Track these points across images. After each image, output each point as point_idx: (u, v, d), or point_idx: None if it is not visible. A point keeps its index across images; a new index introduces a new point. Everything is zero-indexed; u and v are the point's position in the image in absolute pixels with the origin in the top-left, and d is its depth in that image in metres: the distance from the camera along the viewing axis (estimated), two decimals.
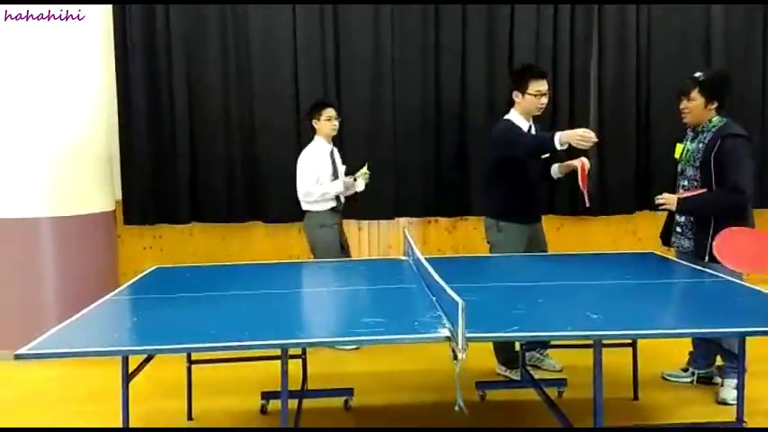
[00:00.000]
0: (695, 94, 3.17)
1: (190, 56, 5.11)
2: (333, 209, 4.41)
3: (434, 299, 2.52)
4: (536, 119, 3.72)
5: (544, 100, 3.57)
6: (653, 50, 5.33)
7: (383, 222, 5.46)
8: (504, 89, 5.21)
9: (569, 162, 3.65)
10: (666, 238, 3.44)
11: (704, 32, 5.33)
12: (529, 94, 3.53)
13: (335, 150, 4.56)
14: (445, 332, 2.12)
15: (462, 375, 1.94)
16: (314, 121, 4.44)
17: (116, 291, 2.88)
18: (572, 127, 4.16)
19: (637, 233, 5.51)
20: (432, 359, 3.81)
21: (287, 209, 5.11)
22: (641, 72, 5.34)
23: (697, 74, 3.23)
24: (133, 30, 5.02)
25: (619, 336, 2.15)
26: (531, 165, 3.61)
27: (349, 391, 3.29)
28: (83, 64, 4.44)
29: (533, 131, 3.63)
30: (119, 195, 5.16)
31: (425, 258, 2.86)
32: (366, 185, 4.46)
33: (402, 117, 5.27)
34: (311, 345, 2.46)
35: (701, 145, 3.18)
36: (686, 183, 3.26)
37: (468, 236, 5.52)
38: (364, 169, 4.43)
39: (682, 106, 3.25)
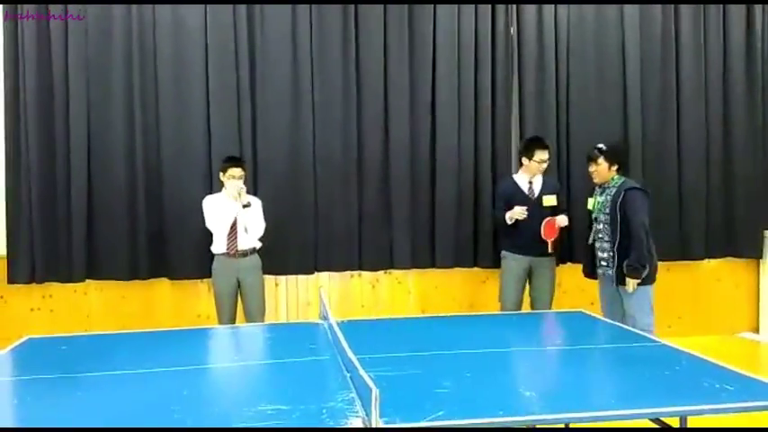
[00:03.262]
0: (601, 160, 4.05)
1: (89, 94, 4.67)
2: (225, 254, 4.30)
3: (348, 375, 2.21)
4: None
5: (544, 166, 4.54)
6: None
7: (302, 278, 5.11)
8: (425, 140, 5.12)
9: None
10: (590, 271, 4.22)
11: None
12: (534, 161, 4.48)
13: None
14: (358, 423, 1.80)
15: None
16: (221, 174, 4.39)
17: None
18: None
19: (562, 285, 5.38)
20: None
21: (194, 265, 4.70)
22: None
23: (600, 145, 4.11)
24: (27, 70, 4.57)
25: (556, 420, 1.90)
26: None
27: None
28: None
29: (536, 185, 4.57)
30: (2, 249, 4.62)
31: (344, 321, 2.57)
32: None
33: (323, 166, 4.99)
34: None
35: (608, 197, 4.04)
36: (601, 226, 4.09)
37: (393, 290, 5.25)
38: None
39: (591, 170, 4.11)
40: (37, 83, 4.61)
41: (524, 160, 4.55)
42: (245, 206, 4.26)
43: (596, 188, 4.17)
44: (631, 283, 3.81)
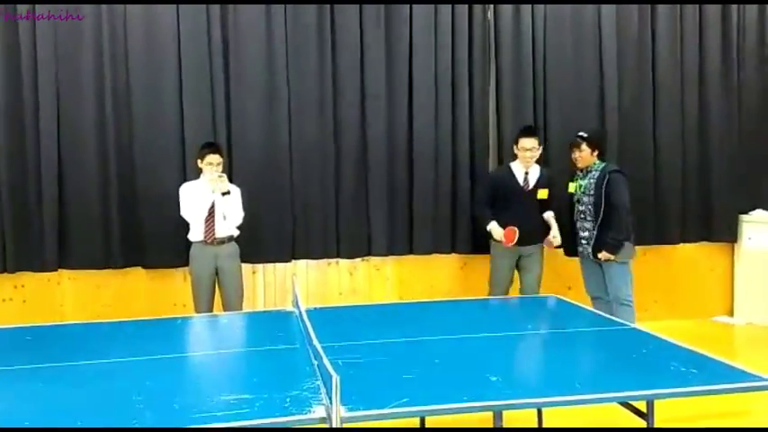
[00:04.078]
0: (584, 146, 4.33)
1: (60, 80, 4.56)
2: (203, 241, 4.26)
3: (316, 363, 2.19)
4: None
5: (529, 155, 4.45)
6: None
7: (279, 266, 5.07)
8: (403, 128, 5.08)
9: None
10: (571, 250, 4.51)
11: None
12: (519, 148, 4.49)
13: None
14: (321, 412, 1.78)
15: None
16: (198, 161, 4.32)
17: None
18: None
19: None
20: None
21: (169, 253, 4.64)
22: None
23: (582, 132, 4.40)
24: None
25: (520, 405, 1.90)
26: (506, 203, 4.49)
27: None
28: None
29: (532, 177, 4.52)
30: None
31: (316, 309, 2.55)
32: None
33: (299, 154, 4.94)
34: None
35: (591, 180, 4.34)
36: (583, 207, 4.37)
37: (371, 277, 5.23)
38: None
39: (574, 156, 4.39)
40: (5, 70, 4.49)
41: (514, 148, 4.58)
42: (224, 194, 4.21)
43: (578, 173, 4.44)
44: (605, 255, 4.17)
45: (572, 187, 4.47)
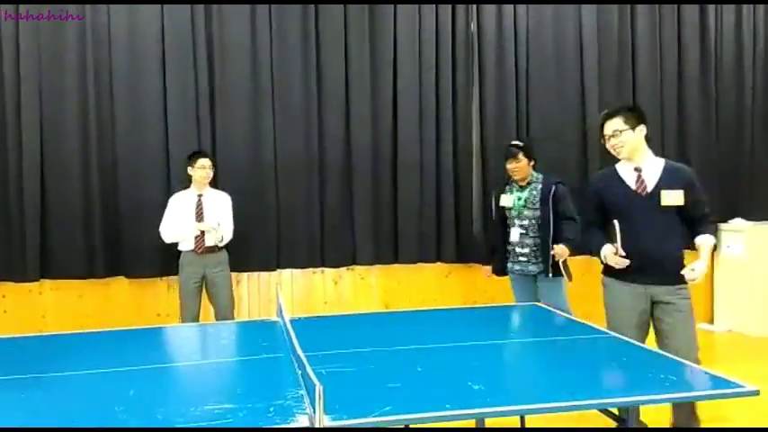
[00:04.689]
0: (521, 156, 4.03)
1: (42, 91, 4.56)
2: (192, 251, 4.31)
3: (300, 372, 2.19)
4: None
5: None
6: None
7: (264, 275, 5.07)
8: (387, 137, 5.11)
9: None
10: (500, 268, 4.19)
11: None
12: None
13: (205, 196, 4.39)
14: (304, 421, 1.79)
15: None
16: (189, 168, 4.38)
17: None
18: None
19: None
20: None
21: (152, 262, 4.64)
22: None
23: (516, 141, 4.16)
24: None
25: (503, 413, 1.92)
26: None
27: None
28: None
29: (651, 176, 3.07)
30: None
31: (301, 318, 2.56)
32: (227, 243, 4.43)
33: (284, 163, 4.96)
34: None
35: (534, 193, 4.04)
36: (525, 222, 4.05)
37: (356, 286, 5.25)
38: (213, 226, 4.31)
39: (511, 167, 4.06)
40: None
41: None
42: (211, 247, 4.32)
43: (510, 185, 4.15)
44: (561, 249, 3.89)
45: (507, 200, 4.12)
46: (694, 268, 2.94)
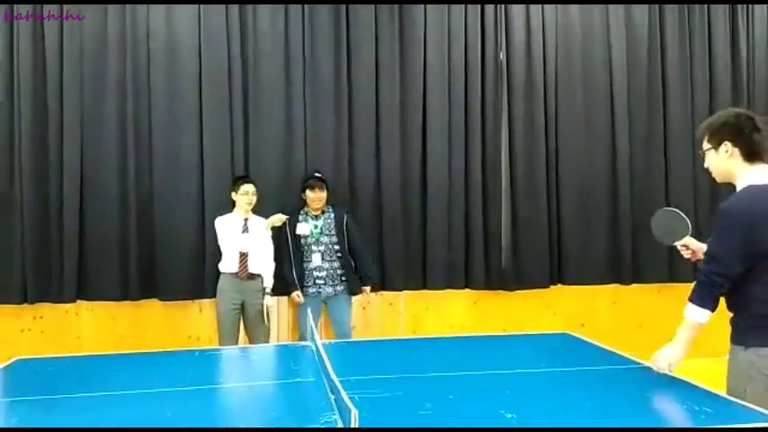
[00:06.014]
0: (324, 187, 4.56)
1: (83, 113, 4.70)
2: (233, 274, 4.33)
3: (333, 397, 2.22)
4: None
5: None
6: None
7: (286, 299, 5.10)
8: (416, 163, 5.16)
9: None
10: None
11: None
12: None
13: (251, 220, 4.47)
14: None
15: None
16: (233, 192, 4.45)
17: None
18: None
19: (552, 307, 5.40)
20: None
21: (186, 285, 4.71)
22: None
23: (319, 173, 4.65)
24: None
25: None
26: None
27: None
28: None
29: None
30: None
31: (331, 343, 2.59)
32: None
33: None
34: None
35: (329, 221, 4.59)
36: (323, 248, 4.56)
37: (384, 312, 5.26)
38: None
39: (316, 196, 4.54)
40: (32, 104, 4.65)
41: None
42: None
43: (305, 213, 4.60)
44: (368, 290, 4.72)
45: (304, 228, 4.54)
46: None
